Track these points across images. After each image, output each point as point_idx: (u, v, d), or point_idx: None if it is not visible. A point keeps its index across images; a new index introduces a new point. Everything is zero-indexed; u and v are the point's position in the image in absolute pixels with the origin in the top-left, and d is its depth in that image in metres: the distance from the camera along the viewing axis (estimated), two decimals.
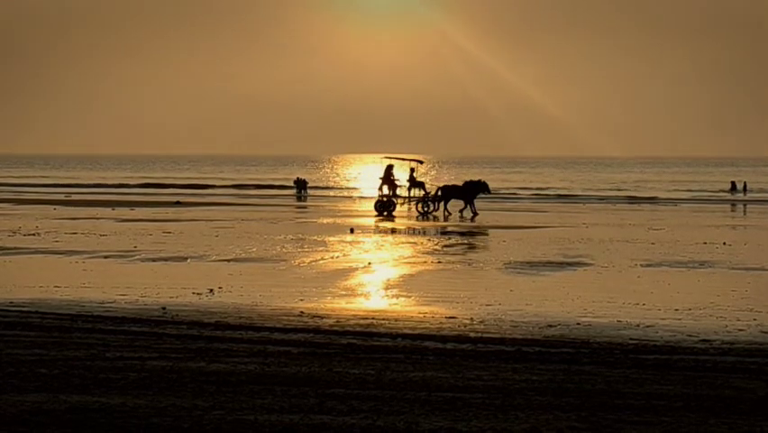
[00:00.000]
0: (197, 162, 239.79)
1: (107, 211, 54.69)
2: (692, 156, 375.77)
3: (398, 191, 56.45)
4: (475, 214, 52.99)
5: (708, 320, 18.48)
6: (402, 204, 56.60)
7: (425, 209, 55.14)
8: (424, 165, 59.04)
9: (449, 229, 43.15)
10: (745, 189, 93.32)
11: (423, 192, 56.62)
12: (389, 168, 57.72)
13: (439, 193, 55.87)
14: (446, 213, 53.97)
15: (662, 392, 12.03)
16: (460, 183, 57.18)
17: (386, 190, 56.31)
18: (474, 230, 43.18)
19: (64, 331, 16.38)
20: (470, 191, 54.98)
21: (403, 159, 60.51)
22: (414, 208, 55.98)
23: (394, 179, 56.98)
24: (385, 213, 54.67)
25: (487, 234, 40.64)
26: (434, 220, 51.05)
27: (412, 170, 57.73)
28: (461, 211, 53.98)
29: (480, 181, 56.09)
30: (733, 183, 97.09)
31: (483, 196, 56.45)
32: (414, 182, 57.30)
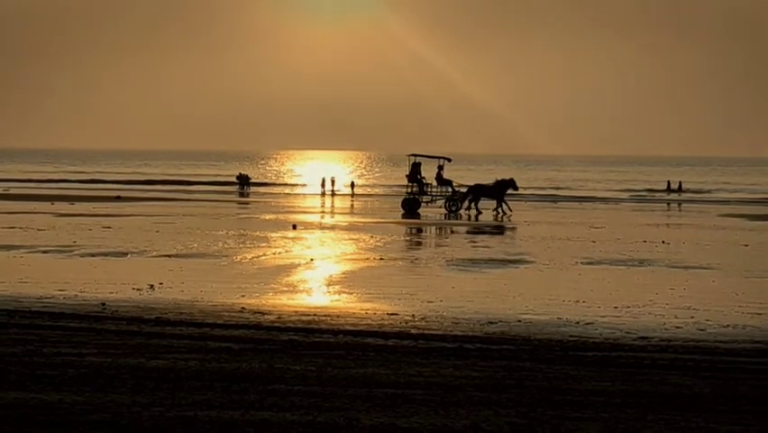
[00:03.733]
0: (139, 158, 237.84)
1: (46, 205, 54.04)
2: (632, 155, 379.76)
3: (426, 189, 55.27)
4: (504, 213, 52.13)
5: (647, 318, 18.69)
6: (429, 202, 55.33)
7: (453, 208, 54.05)
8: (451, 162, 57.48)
9: (393, 226, 43.19)
10: (680, 189, 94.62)
11: (450, 191, 55.56)
12: (416, 165, 56.43)
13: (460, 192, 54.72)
14: (477, 212, 52.89)
15: (601, 389, 12.14)
16: (491, 182, 56.10)
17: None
18: (417, 227, 43.27)
19: (1, 327, 16.16)
20: (500, 190, 54.33)
21: (430, 156, 58.42)
22: (443, 207, 54.58)
23: (421, 177, 55.98)
24: (412, 211, 53.46)
25: (430, 231, 40.75)
26: (467, 220, 49.90)
27: (440, 167, 56.29)
28: (494, 211, 52.89)
29: (509, 179, 55.45)
30: (668, 183, 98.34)
31: (511, 192, 55.10)
32: (441, 180, 56.06)
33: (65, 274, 24.24)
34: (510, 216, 50.89)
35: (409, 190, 56.23)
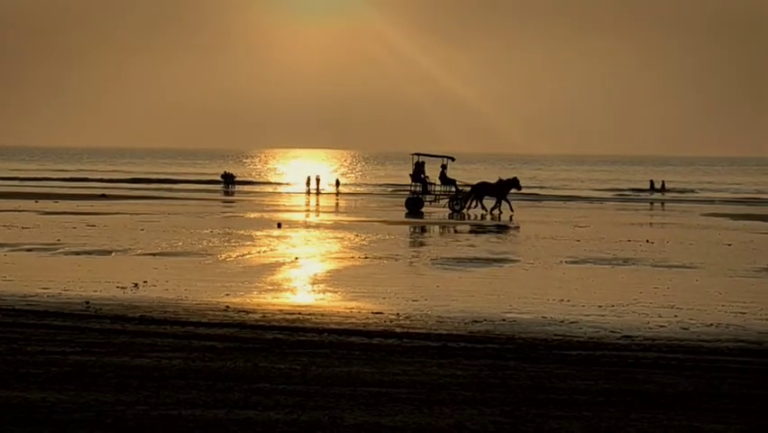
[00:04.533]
0: (123, 156, 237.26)
1: (30, 203, 53.86)
2: (615, 154, 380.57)
3: (429, 188, 54.96)
4: (501, 212, 52.10)
5: (631, 317, 18.74)
6: (432, 202, 55.03)
7: (457, 207, 53.76)
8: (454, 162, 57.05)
9: (378, 224, 43.19)
10: (663, 188, 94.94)
11: (454, 190, 55.28)
12: (420, 165, 56.15)
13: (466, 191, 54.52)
14: (484, 210, 52.69)
15: (584, 387, 12.18)
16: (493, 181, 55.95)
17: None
18: (403, 226, 43.27)
19: None
20: (504, 188, 54.21)
21: (434, 155, 58.01)
22: (447, 206, 54.25)
23: (425, 177, 55.72)
24: (416, 210, 53.20)
25: (415, 230, 40.78)
26: (469, 219, 49.72)
27: (443, 167, 55.90)
28: (492, 209, 52.85)
29: (512, 178, 55.34)
30: (651, 182, 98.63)
31: (514, 192, 54.95)
32: (445, 179, 55.78)
33: (49, 272, 24.17)
34: (512, 215, 50.87)
35: (413, 189, 56.08)
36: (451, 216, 51.15)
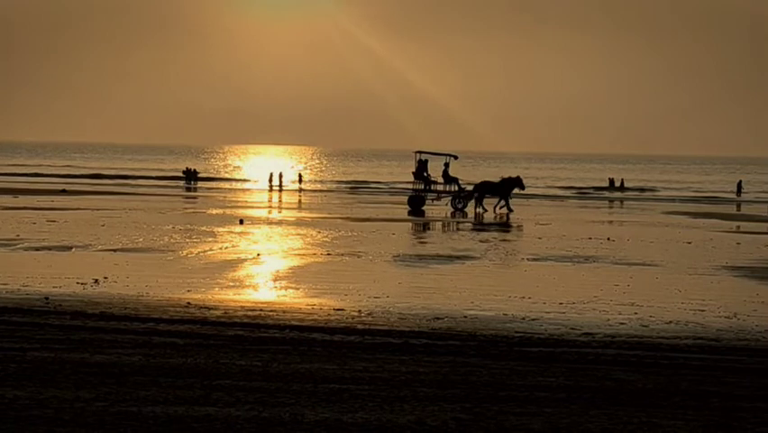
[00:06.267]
0: (84, 151, 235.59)
1: None
2: (575, 152, 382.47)
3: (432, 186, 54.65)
4: (510, 210, 51.99)
5: (592, 314, 18.85)
6: (435, 200, 54.71)
7: (460, 206, 53.47)
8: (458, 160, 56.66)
9: (341, 221, 43.16)
10: (622, 186, 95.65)
11: (457, 188, 54.99)
12: (423, 163, 55.81)
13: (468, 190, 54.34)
14: (482, 209, 52.52)
15: (545, 384, 12.23)
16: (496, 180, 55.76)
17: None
18: (365, 222, 43.26)
19: None
20: (506, 187, 54.04)
21: (437, 153, 57.57)
22: (449, 204, 53.89)
23: (427, 175, 55.42)
24: (417, 209, 52.90)
25: (377, 227, 40.74)
26: (466, 217, 49.42)
27: (446, 165, 55.53)
28: (495, 207, 52.68)
29: (516, 178, 55.22)
30: (611, 180, 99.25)
31: (517, 192, 54.84)
32: (448, 178, 55.42)
33: (8, 268, 23.95)
34: (509, 214, 50.89)
35: (414, 188, 55.95)
36: (453, 215, 50.98)
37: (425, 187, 55.66)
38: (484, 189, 54.67)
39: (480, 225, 43.47)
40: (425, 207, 53.98)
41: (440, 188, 55.66)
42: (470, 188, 56.35)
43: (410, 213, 51.36)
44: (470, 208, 53.49)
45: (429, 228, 41.87)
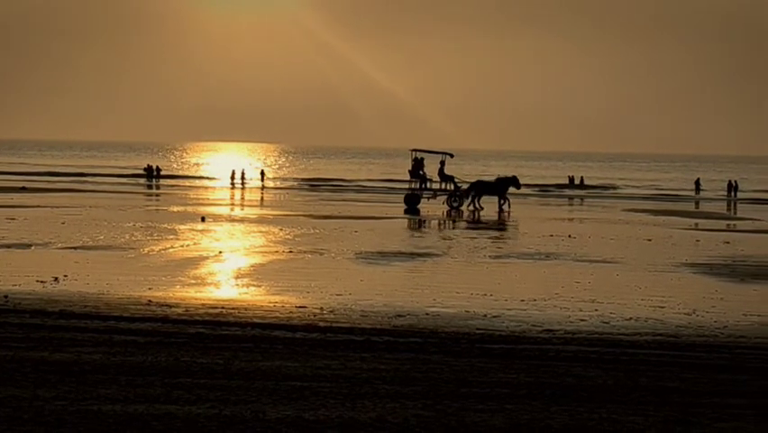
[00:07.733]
0: (44, 149, 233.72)
1: None
2: (534, 150, 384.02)
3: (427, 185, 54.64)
4: (506, 209, 52.04)
5: (553, 311, 18.95)
6: (430, 198, 54.63)
7: (455, 204, 53.48)
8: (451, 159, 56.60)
9: (303, 219, 43.09)
10: (582, 184, 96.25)
11: (453, 186, 54.97)
12: (419, 161, 55.65)
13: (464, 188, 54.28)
14: (479, 208, 52.45)
15: (506, 381, 12.28)
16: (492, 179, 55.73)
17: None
18: (327, 220, 43.23)
19: None
20: (502, 186, 54.18)
21: (432, 151, 57.49)
22: (445, 203, 53.96)
23: (423, 173, 55.24)
24: (414, 207, 52.75)
25: (339, 225, 40.73)
26: (462, 216, 49.27)
27: (442, 163, 55.51)
28: (500, 206, 52.69)
29: (511, 177, 55.30)
30: (570, 178, 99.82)
31: (513, 191, 55.07)
32: (444, 176, 55.40)
33: None
34: (507, 212, 50.92)
35: (411, 186, 55.80)
36: (449, 213, 50.94)
37: (420, 185, 55.68)
38: (480, 189, 54.82)
39: (441, 223, 43.54)
40: (419, 206, 54.03)
41: (435, 186, 55.72)
42: (466, 186, 56.41)
43: (406, 211, 51.34)
44: (466, 207, 53.65)
45: (393, 226, 41.88)
